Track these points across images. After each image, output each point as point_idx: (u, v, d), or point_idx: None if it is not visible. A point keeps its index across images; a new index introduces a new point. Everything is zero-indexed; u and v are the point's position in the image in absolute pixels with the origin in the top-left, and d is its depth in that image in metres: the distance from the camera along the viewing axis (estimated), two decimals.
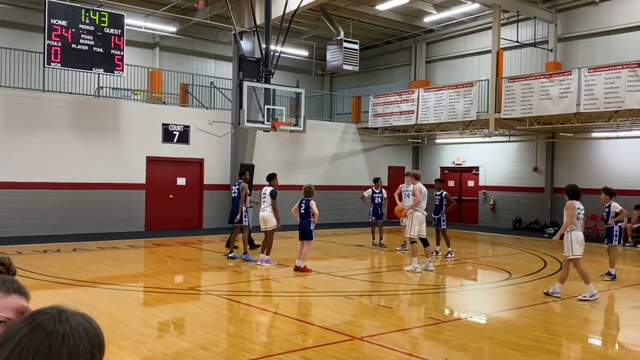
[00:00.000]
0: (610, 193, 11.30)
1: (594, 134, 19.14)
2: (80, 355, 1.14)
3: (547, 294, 9.31)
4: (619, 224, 11.31)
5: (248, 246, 13.09)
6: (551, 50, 20.10)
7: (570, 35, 19.95)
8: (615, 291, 10.32)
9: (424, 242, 11.77)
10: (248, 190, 12.98)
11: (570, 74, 16.16)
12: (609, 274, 11.20)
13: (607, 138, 18.32)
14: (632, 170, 17.79)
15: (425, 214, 11.95)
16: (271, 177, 12.24)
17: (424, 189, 11.96)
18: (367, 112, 22.90)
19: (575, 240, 9.17)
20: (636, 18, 18.06)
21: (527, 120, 17.60)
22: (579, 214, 9.25)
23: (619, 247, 11.39)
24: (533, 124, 17.60)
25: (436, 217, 13.95)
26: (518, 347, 6.44)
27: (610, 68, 15.38)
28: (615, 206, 11.17)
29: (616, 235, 11.26)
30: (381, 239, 15.58)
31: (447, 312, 9.00)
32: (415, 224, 11.65)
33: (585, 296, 9.10)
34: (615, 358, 6.62)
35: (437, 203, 14.00)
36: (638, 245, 16.85)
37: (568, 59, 19.84)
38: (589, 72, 15.72)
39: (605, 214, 11.49)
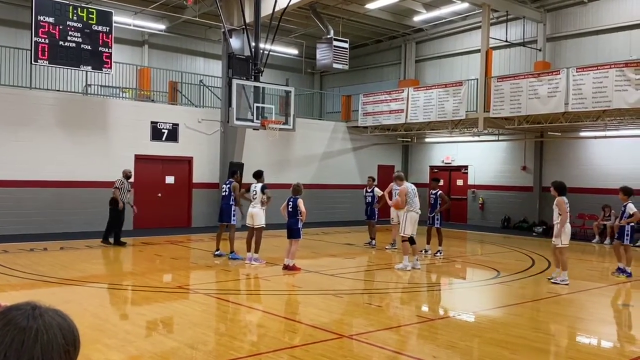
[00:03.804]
0: (628, 193, 11.40)
1: (582, 133, 19.25)
2: (54, 352, 1.11)
3: (550, 280, 10.31)
4: (630, 224, 11.40)
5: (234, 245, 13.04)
6: (540, 50, 20.20)
7: (558, 35, 20.05)
8: (607, 289, 10.38)
9: (411, 240, 11.77)
10: (243, 189, 12.94)
11: (559, 74, 16.25)
12: (624, 271, 11.25)
13: (595, 137, 18.42)
14: (620, 169, 17.91)
15: (419, 212, 12.00)
16: (260, 174, 12.21)
17: (412, 188, 11.98)
18: (357, 110, 22.90)
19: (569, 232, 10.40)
20: (624, 18, 18.19)
21: (516, 120, 17.68)
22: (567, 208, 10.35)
23: (630, 246, 11.53)
24: (522, 123, 17.68)
25: (430, 215, 13.98)
26: (506, 345, 6.46)
27: (598, 68, 15.47)
28: (631, 207, 11.25)
29: (627, 235, 11.38)
30: (373, 239, 15.28)
31: (435, 310, 9.01)
32: (409, 224, 11.66)
33: (556, 279, 10.28)
34: (602, 355, 6.65)
35: (432, 202, 14.01)
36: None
37: (556, 58, 19.95)
38: (577, 72, 15.80)
39: (621, 212, 11.58)
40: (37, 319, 1.13)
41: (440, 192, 14.14)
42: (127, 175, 14.42)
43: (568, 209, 10.36)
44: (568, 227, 10.38)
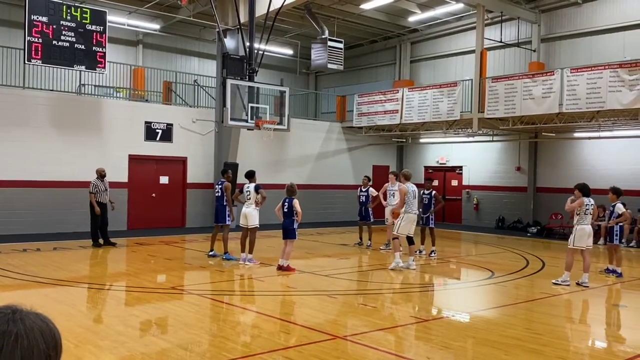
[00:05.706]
0: (618, 193, 11.46)
1: (576, 134, 19.29)
2: (34, 356, 1.08)
3: (577, 284, 10.09)
4: (619, 224, 11.46)
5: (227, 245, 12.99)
6: (534, 51, 20.24)
7: (553, 35, 20.10)
8: (600, 290, 10.38)
9: (409, 240, 11.76)
10: (237, 191, 12.87)
11: (553, 74, 16.28)
12: (614, 271, 11.30)
13: (589, 138, 18.48)
14: (614, 170, 17.95)
15: (417, 213, 12.01)
16: (252, 174, 12.17)
17: (413, 188, 11.80)
18: (352, 111, 22.90)
19: (580, 233, 10.16)
20: (618, 19, 18.24)
21: (510, 120, 17.70)
22: (587, 209, 10.09)
23: (619, 246, 11.69)
24: (516, 124, 17.70)
25: (424, 215, 13.96)
26: (500, 346, 6.45)
27: (593, 69, 15.50)
28: (619, 207, 11.28)
29: (616, 235, 11.44)
30: (369, 239, 15.19)
31: (429, 311, 9.00)
32: (405, 223, 11.62)
33: (558, 280, 10.20)
34: (596, 356, 6.65)
35: (426, 202, 14.00)
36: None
37: (551, 59, 19.99)
38: (571, 73, 15.84)
39: (609, 213, 11.69)
40: (17, 323, 1.10)
41: (434, 192, 14.14)
42: (101, 175, 14.27)
43: (586, 209, 10.08)
44: (582, 229, 10.12)
